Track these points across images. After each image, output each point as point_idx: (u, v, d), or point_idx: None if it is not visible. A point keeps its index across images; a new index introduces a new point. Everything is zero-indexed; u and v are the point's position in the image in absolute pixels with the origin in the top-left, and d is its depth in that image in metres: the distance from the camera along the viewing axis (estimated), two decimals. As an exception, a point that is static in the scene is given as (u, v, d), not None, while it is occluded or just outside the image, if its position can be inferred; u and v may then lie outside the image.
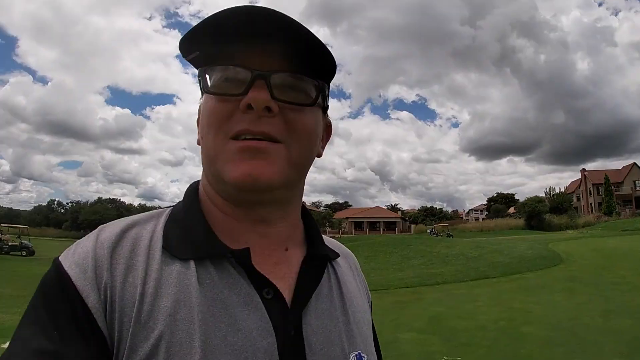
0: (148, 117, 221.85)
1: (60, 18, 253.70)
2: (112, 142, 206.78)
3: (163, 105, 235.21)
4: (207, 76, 0.62)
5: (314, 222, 0.76)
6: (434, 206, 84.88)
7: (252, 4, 0.58)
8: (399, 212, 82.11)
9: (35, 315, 0.55)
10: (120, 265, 0.58)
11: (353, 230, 68.40)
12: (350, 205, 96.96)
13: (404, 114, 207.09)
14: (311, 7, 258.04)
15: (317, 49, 0.60)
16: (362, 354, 0.66)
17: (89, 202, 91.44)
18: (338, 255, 0.76)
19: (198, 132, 0.67)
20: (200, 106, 0.66)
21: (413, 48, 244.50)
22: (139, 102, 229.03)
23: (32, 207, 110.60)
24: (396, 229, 67.65)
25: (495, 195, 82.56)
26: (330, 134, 0.75)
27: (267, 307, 0.59)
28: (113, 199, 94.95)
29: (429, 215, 75.42)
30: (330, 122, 0.75)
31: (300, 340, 0.61)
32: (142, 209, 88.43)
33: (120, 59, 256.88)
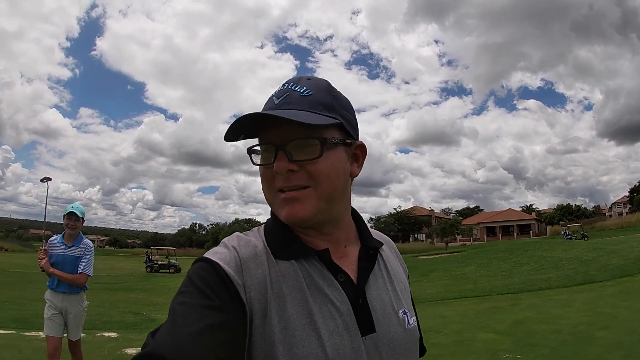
0: None
1: (180, 60, 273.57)
2: (244, 166, 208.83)
3: None
4: (252, 153, 0.84)
5: (363, 221, 0.97)
6: (574, 203, 71.92)
7: (269, 109, 0.81)
8: (534, 213, 73.28)
9: (194, 288, 0.72)
10: (251, 262, 0.79)
11: (485, 237, 62.95)
12: (482, 210, 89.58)
13: (531, 103, 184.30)
14: (414, 6, 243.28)
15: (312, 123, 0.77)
16: (405, 310, 0.90)
17: (228, 223, 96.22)
18: (382, 244, 0.97)
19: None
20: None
21: (529, 28, 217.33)
22: None
23: (176, 231, 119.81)
24: (531, 232, 60.63)
25: (638, 184, 67.21)
26: (365, 153, 0.92)
27: (342, 286, 0.82)
28: (249, 219, 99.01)
29: (565, 214, 64.58)
30: (363, 143, 0.91)
31: (366, 305, 0.83)
32: None
33: (240, 88, 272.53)
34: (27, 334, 7.38)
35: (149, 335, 0.69)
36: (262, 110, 0.82)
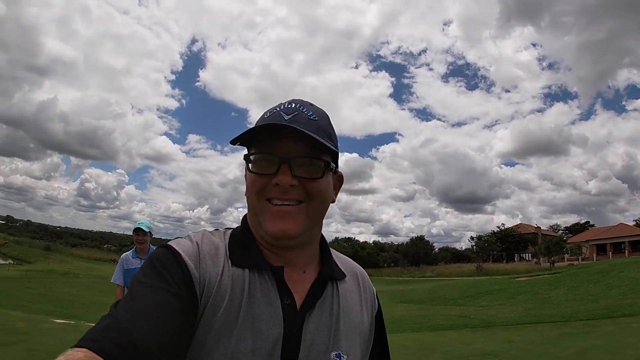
0: (375, 158, 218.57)
1: (279, 85, 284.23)
2: (346, 185, 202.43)
3: (387, 144, 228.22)
4: (251, 158, 0.82)
5: (327, 249, 0.94)
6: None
7: (280, 122, 0.79)
8: (648, 228, 61.97)
9: (155, 271, 0.73)
10: (208, 259, 0.79)
11: (594, 255, 54.81)
12: (592, 225, 78.23)
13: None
14: (507, 10, 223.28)
15: (320, 145, 0.78)
16: (342, 354, 0.82)
17: (328, 241, 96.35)
18: (345, 276, 0.92)
19: (246, 188, 0.85)
20: (245, 172, 0.85)
21: (629, 20, 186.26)
22: (365, 145, 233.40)
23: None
24: (645, 248, 51.69)
25: None
26: (342, 183, 0.94)
27: (283, 309, 0.79)
28: (349, 237, 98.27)
29: (682, 228, 52.91)
30: (341, 174, 0.93)
31: (299, 335, 0.79)
32: (376, 245, 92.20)
33: (339, 109, 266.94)
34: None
35: (112, 306, 0.69)
36: (266, 122, 0.81)
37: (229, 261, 0.81)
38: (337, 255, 0.97)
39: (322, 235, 0.94)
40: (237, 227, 0.91)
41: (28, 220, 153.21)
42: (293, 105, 0.85)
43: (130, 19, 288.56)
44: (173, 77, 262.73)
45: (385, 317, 1.01)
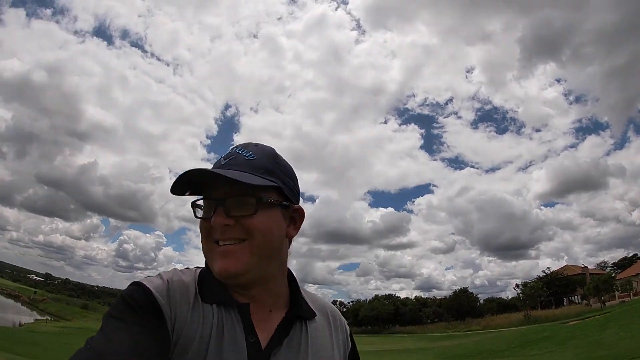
0: (411, 211, 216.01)
1: (311, 145, 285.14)
2: (383, 241, 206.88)
3: (422, 196, 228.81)
4: (198, 204, 0.85)
5: (297, 287, 0.94)
6: None
7: (214, 168, 0.84)
8: None
9: (126, 307, 0.73)
10: (178, 296, 0.80)
11: None
12: None
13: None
14: (527, 49, 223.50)
15: (246, 183, 0.78)
16: None
17: (368, 299, 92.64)
18: (315, 315, 0.92)
19: None
20: None
21: None
22: (399, 198, 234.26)
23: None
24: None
25: None
26: (303, 217, 0.92)
27: (248, 348, 0.79)
28: (389, 294, 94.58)
29: None
30: (300, 207, 0.91)
31: None
32: (418, 301, 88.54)
33: (371, 165, 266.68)
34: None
35: (88, 340, 0.70)
36: (211, 169, 0.84)
37: (199, 298, 0.82)
38: (308, 294, 0.98)
39: (292, 274, 0.95)
40: (204, 267, 0.90)
41: (66, 278, 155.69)
42: (233, 150, 0.88)
43: (166, 87, 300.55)
44: (209, 141, 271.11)
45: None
